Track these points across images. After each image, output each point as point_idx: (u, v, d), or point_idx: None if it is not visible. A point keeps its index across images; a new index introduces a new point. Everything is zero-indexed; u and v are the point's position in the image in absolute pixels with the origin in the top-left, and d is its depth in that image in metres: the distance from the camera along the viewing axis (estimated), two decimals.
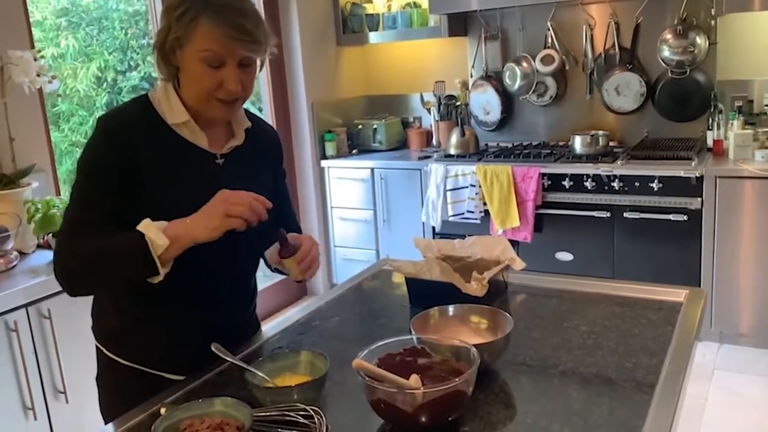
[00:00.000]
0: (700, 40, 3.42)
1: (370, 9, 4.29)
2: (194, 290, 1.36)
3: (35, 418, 2.10)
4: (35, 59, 2.40)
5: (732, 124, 3.30)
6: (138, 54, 3.90)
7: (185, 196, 1.29)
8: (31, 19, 2.72)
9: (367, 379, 1.05)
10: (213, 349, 1.25)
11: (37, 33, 2.80)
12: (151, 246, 1.18)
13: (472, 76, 4.14)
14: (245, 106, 1.42)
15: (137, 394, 1.25)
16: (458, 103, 4.14)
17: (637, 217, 3.24)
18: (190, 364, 1.33)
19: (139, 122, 1.30)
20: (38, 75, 2.40)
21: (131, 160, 1.27)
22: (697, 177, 3.08)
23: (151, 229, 1.20)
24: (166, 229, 1.20)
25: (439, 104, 4.16)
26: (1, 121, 2.44)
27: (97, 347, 1.44)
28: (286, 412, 1.07)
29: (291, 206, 1.61)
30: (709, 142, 3.41)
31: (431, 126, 4.28)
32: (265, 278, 4.32)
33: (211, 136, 1.36)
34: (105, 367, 1.43)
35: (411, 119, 4.44)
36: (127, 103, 1.37)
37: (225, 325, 1.40)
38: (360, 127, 4.33)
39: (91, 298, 1.44)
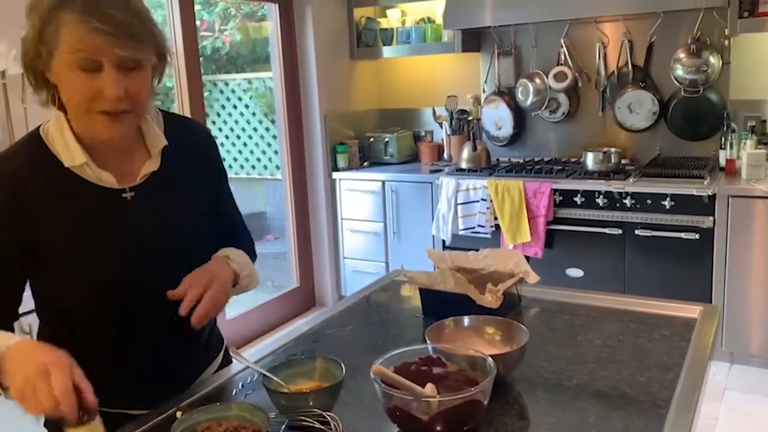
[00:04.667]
0: (714, 60, 3.43)
1: (384, 23, 4.33)
2: (125, 330, 1.23)
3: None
4: None
5: (745, 143, 3.30)
6: None
7: (90, 245, 1.16)
8: None
9: (383, 385, 1.06)
10: (230, 352, 1.25)
11: None
12: None
13: (484, 92, 4.16)
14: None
15: None
16: (470, 118, 4.15)
17: (649, 234, 3.24)
18: (145, 400, 1.23)
19: (29, 170, 1.12)
20: None
21: (26, 223, 1.11)
22: (709, 196, 3.08)
23: None
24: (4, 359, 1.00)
25: (451, 118, 4.18)
26: (20, 126, 2.47)
27: None
28: (303, 418, 1.08)
29: (233, 209, 1.45)
30: (722, 162, 3.41)
31: (443, 140, 4.29)
32: (274, 289, 4.33)
33: (122, 166, 1.19)
34: None
35: (422, 133, 4.46)
36: (17, 145, 1.17)
37: (174, 358, 1.30)
38: (372, 139, 4.35)
39: None
